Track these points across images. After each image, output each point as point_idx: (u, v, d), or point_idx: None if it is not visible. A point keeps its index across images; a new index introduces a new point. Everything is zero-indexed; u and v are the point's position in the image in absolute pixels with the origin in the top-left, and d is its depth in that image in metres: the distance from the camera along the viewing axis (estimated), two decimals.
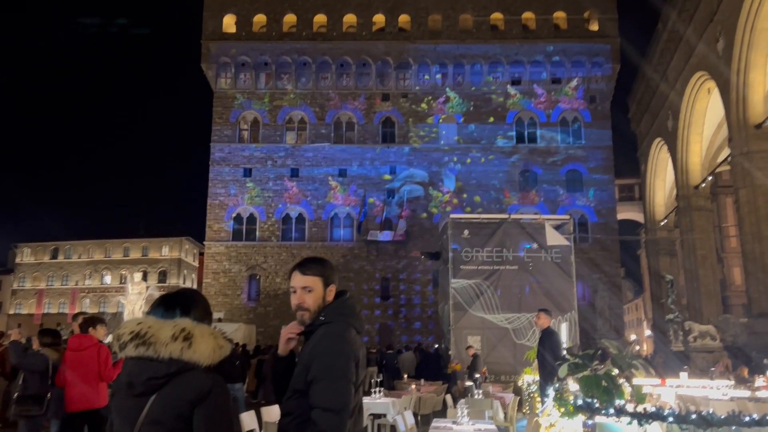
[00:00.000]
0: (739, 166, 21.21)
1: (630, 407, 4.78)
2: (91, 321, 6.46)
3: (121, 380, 2.16)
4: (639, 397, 5.03)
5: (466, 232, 16.97)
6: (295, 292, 2.64)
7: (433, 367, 19.08)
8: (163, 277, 65.15)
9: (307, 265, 2.66)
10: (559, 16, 37.96)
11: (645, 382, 8.51)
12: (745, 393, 8.41)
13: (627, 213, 48.59)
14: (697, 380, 9.84)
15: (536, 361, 9.12)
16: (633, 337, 57.13)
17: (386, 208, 36.37)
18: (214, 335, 2.17)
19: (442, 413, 11.64)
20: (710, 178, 27.82)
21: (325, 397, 2.31)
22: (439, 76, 38.18)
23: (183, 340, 2.08)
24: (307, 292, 2.60)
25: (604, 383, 4.67)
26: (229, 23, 38.73)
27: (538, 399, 9.14)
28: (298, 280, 2.63)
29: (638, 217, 46.11)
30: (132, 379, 2.10)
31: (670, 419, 4.26)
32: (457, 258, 16.79)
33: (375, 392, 9.25)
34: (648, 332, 48.61)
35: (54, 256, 67.15)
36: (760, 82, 20.75)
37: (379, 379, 9.83)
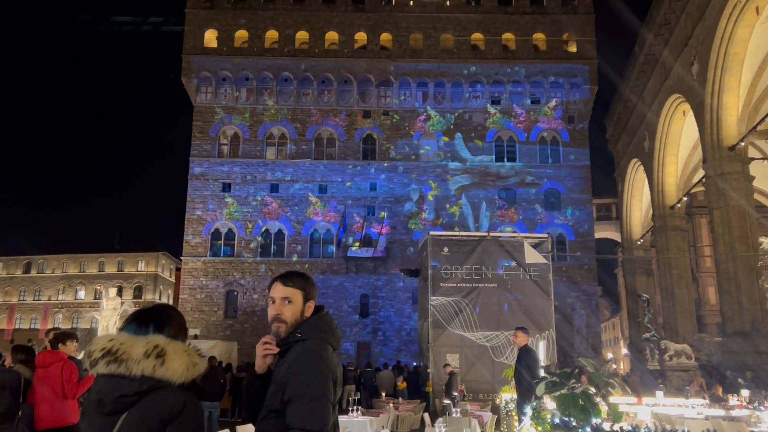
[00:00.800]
0: (713, 186, 21.63)
1: (607, 426, 4.79)
2: (62, 336, 6.33)
3: (91, 398, 2.11)
4: (615, 415, 5.04)
5: (445, 249, 17.02)
6: (273, 302, 2.60)
7: (411, 385, 18.98)
8: (138, 292, 64.17)
9: (289, 277, 2.64)
10: (539, 37, 38.60)
11: (621, 400, 8.55)
12: (719, 412, 8.50)
13: (604, 232, 49.17)
14: (672, 399, 9.92)
15: (514, 379, 9.12)
16: (610, 355, 57.53)
17: (366, 225, 36.35)
18: (189, 352, 2.13)
19: (420, 430, 11.58)
20: (685, 198, 28.33)
21: (302, 417, 2.26)
22: (420, 94, 38.49)
23: (156, 357, 2.04)
24: (287, 303, 2.57)
25: (581, 402, 4.67)
26: (210, 38, 38.73)
27: (516, 417, 9.13)
28: (279, 290, 2.60)
29: (615, 236, 46.67)
30: (102, 396, 2.06)
31: None
32: (436, 275, 16.80)
33: (353, 410, 9.17)
34: (625, 351, 48.98)
35: (26, 270, 65.85)
36: (733, 104, 21.27)
37: (357, 398, 9.75)
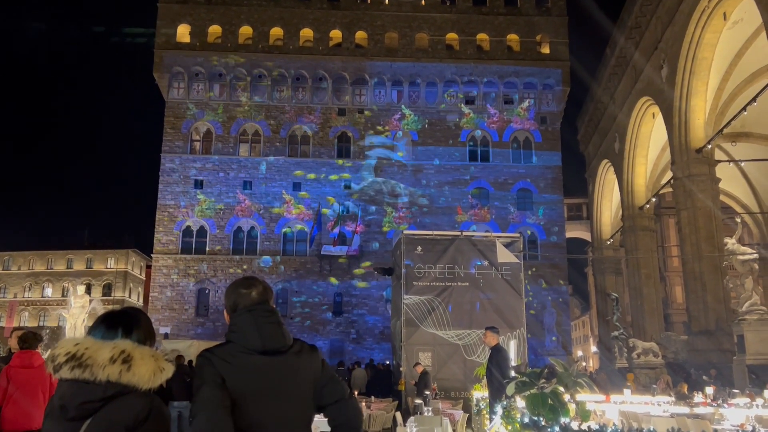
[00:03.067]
0: (681, 188, 22.09)
1: (575, 425, 4.86)
2: (33, 337, 6.17)
3: (54, 403, 2.06)
4: (584, 414, 5.12)
5: (419, 248, 17.04)
6: None
7: (384, 383, 19.01)
8: (108, 290, 63.13)
9: None
10: (512, 38, 38.92)
11: (590, 398, 8.66)
12: (684, 409, 8.66)
13: (575, 231, 49.88)
14: (639, 396, 10.09)
15: (485, 378, 9.20)
16: (580, 353, 58.38)
17: (340, 223, 36.26)
18: (156, 357, 2.10)
19: (392, 429, 11.60)
20: (654, 199, 28.86)
21: (195, 425, 2.23)
22: (395, 93, 38.53)
23: (122, 363, 2.01)
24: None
25: (550, 401, 4.73)
26: (183, 33, 38.20)
27: (487, 416, 9.21)
28: None
29: (586, 235, 47.37)
30: (65, 402, 2.01)
31: None
32: (409, 274, 16.82)
33: None
34: (594, 348, 49.72)
35: None
36: (701, 108, 21.73)
37: None
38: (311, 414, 2.47)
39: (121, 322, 2.16)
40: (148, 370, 2.05)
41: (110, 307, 60.14)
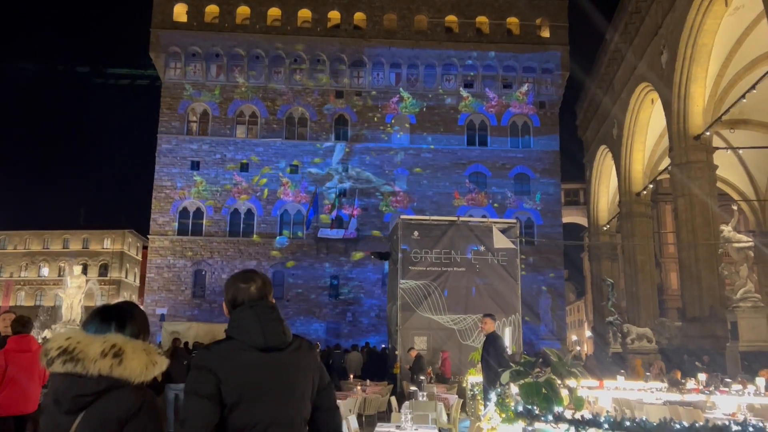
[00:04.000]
0: (678, 175, 22.07)
1: (568, 414, 4.89)
2: (28, 321, 6.14)
3: (48, 396, 2.07)
4: (577, 403, 5.14)
5: (415, 233, 17.08)
6: None
7: (380, 367, 19.13)
8: (104, 270, 63.17)
9: None
10: (512, 21, 38.62)
11: (583, 383, 8.72)
12: (677, 396, 8.74)
13: (572, 217, 49.97)
14: (633, 383, 10.17)
15: (481, 365, 9.24)
16: (574, 338, 58.77)
17: (337, 206, 36.23)
18: (148, 351, 2.10)
19: (387, 413, 11.69)
20: (651, 185, 28.85)
21: (182, 410, 2.28)
22: (393, 75, 38.29)
23: (113, 357, 2.01)
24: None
25: (544, 390, 4.75)
26: (180, 12, 37.80)
27: (482, 401, 9.28)
28: None
29: (582, 221, 47.48)
30: (59, 396, 2.02)
31: (606, 426, 4.38)
32: (406, 259, 16.87)
33: None
34: (589, 333, 50.07)
35: None
36: (700, 95, 21.64)
37: None
38: (309, 411, 2.47)
39: (115, 316, 2.16)
40: (140, 364, 2.06)
41: (106, 287, 60.26)
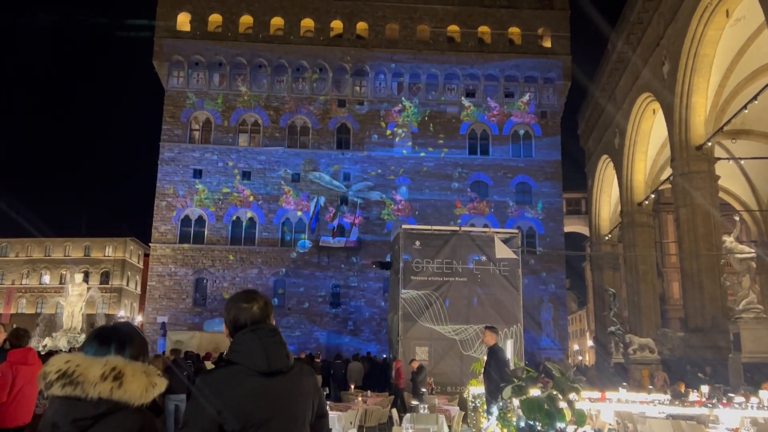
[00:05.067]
0: (680, 185, 22.06)
1: (570, 430, 4.86)
2: (25, 334, 6.14)
3: (46, 420, 2.05)
4: (579, 418, 5.11)
5: (417, 243, 17.04)
6: None
7: (381, 377, 19.05)
8: (105, 278, 63.12)
9: None
10: (514, 31, 38.73)
11: (585, 395, 8.67)
12: (680, 410, 8.68)
13: (573, 226, 49.91)
14: (635, 395, 10.12)
15: (483, 378, 9.20)
16: (576, 347, 58.56)
17: (339, 215, 36.24)
18: (148, 373, 2.08)
19: (388, 425, 11.62)
20: (653, 195, 28.84)
21: None
22: (395, 85, 38.39)
23: (113, 380, 1.99)
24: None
25: (546, 406, 4.72)
26: (183, 21, 37.99)
27: (483, 414, 9.23)
28: None
29: (584, 230, 47.40)
30: (57, 419, 1.99)
31: None
32: (407, 268, 16.82)
33: None
34: (591, 343, 49.88)
35: None
36: (701, 105, 21.65)
37: (325, 392, 9.73)
38: None
39: (114, 338, 2.14)
40: (139, 387, 2.04)
41: (107, 295, 60.21)
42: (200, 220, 36.68)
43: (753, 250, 18.70)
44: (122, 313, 57.15)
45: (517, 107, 38.42)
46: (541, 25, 38.69)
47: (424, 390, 10.93)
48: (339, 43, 38.05)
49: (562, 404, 4.91)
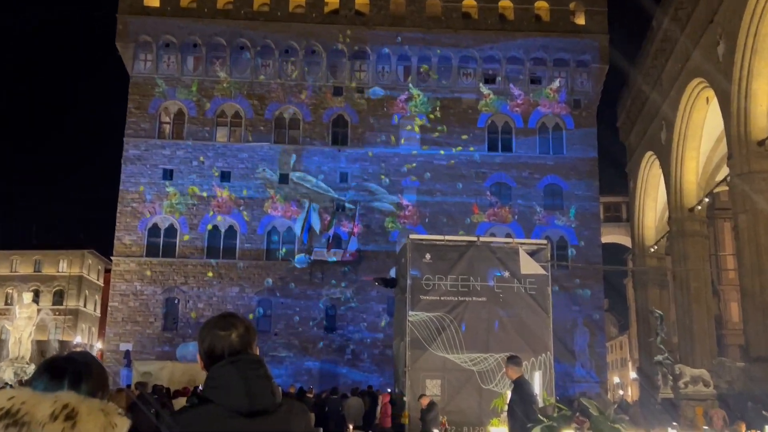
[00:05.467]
0: (739, 187, 21.99)
1: None
2: None
3: None
4: None
5: (428, 256, 17.02)
6: None
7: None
8: (59, 297, 63.24)
9: None
10: (541, 6, 38.84)
11: None
12: None
13: (613, 236, 49.81)
14: None
15: (505, 414, 9.17)
16: (616, 380, 58.37)
17: (334, 223, 36.27)
18: (106, 411, 2.07)
19: None
20: (707, 199, 28.79)
21: None
22: (401, 69, 38.48)
23: (65, 419, 1.98)
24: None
25: None
26: None
27: None
28: None
29: (625, 240, 47.31)
30: None
31: None
32: (416, 286, 16.79)
33: None
34: (634, 375, 49.69)
35: None
36: (764, 92, 21.59)
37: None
38: None
39: (69, 371, 2.12)
40: (96, 427, 2.02)
41: (61, 318, 60.33)
42: (171, 230, 36.76)
43: None
44: (79, 340, 57.18)
45: (545, 95, 38.48)
46: None
47: (435, 431, 10.90)
48: (335, 20, 38.19)
49: None
